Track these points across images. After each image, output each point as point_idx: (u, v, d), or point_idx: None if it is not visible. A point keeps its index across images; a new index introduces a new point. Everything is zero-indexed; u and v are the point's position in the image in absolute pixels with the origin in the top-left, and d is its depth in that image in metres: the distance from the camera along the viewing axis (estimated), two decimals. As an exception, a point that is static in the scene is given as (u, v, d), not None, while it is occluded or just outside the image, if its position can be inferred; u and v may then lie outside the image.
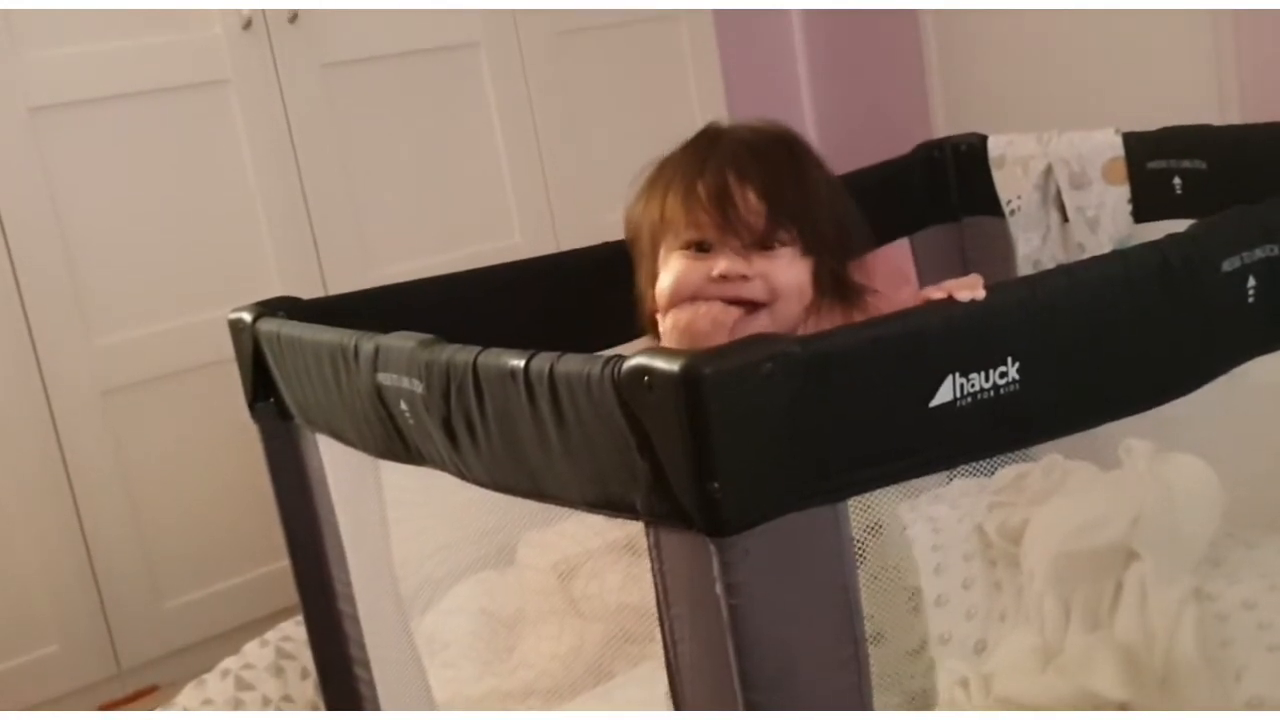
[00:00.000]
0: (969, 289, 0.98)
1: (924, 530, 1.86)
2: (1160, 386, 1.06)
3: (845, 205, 1.30)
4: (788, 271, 1.23)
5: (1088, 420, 1.03)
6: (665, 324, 1.25)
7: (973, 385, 0.92)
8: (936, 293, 1.00)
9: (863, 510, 0.94)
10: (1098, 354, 1.01)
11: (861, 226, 1.31)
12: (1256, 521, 1.70)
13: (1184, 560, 1.59)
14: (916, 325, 0.94)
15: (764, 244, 1.23)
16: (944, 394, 0.91)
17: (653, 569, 0.92)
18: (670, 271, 1.26)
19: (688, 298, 1.24)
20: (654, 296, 1.28)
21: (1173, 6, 2.73)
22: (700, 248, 1.24)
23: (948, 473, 1.00)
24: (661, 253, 1.28)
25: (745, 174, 1.25)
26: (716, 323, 1.22)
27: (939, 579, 1.76)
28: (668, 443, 0.85)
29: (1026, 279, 1.13)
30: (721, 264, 1.23)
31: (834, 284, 1.27)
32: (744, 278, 1.23)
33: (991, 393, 0.93)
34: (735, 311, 1.22)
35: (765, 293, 1.23)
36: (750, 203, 1.23)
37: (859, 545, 0.93)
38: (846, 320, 1.26)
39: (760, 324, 1.22)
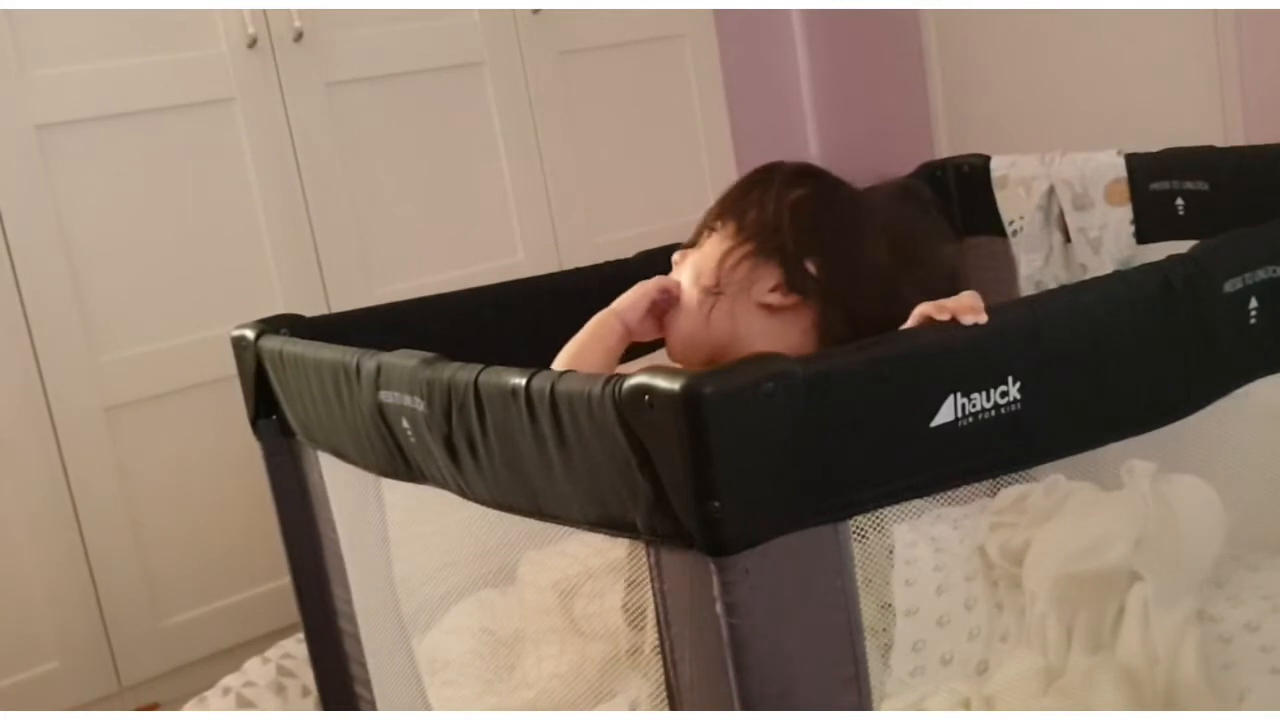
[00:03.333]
0: (970, 310, 0.98)
1: (926, 550, 1.85)
2: (1162, 408, 1.06)
3: (843, 237, 1.28)
4: (699, 261, 1.31)
5: (1089, 441, 1.03)
6: None
7: (974, 405, 0.92)
8: (939, 314, 1.00)
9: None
10: (1099, 375, 1.01)
11: (868, 266, 1.26)
12: (1259, 544, 1.69)
13: (1186, 582, 1.58)
14: (917, 346, 0.95)
15: (695, 241, 1.33)
16: (945, 414, 0.91)
17: (653, 588, 0.91)
18: None
19: None
20: None
21: (1176, 27, 2.73)
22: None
23: (950, 493, 1.00)
24: None
25: (728, 191, 1.34)
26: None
27: (941, 599, 1.75)
28: (668, 462, 0.85)
29: (1028, 299, 1.13)
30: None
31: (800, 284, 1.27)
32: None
33: (993, 412, 0.93)
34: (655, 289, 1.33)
35: (675, 282, 1.32)
36: (713, 210, 1.33)
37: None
38: None
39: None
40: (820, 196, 1.29)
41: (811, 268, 1.24)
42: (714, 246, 1.28)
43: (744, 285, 1.25)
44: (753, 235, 1.26)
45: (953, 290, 1.03)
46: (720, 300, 1.25)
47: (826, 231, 1.26)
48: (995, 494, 1.87)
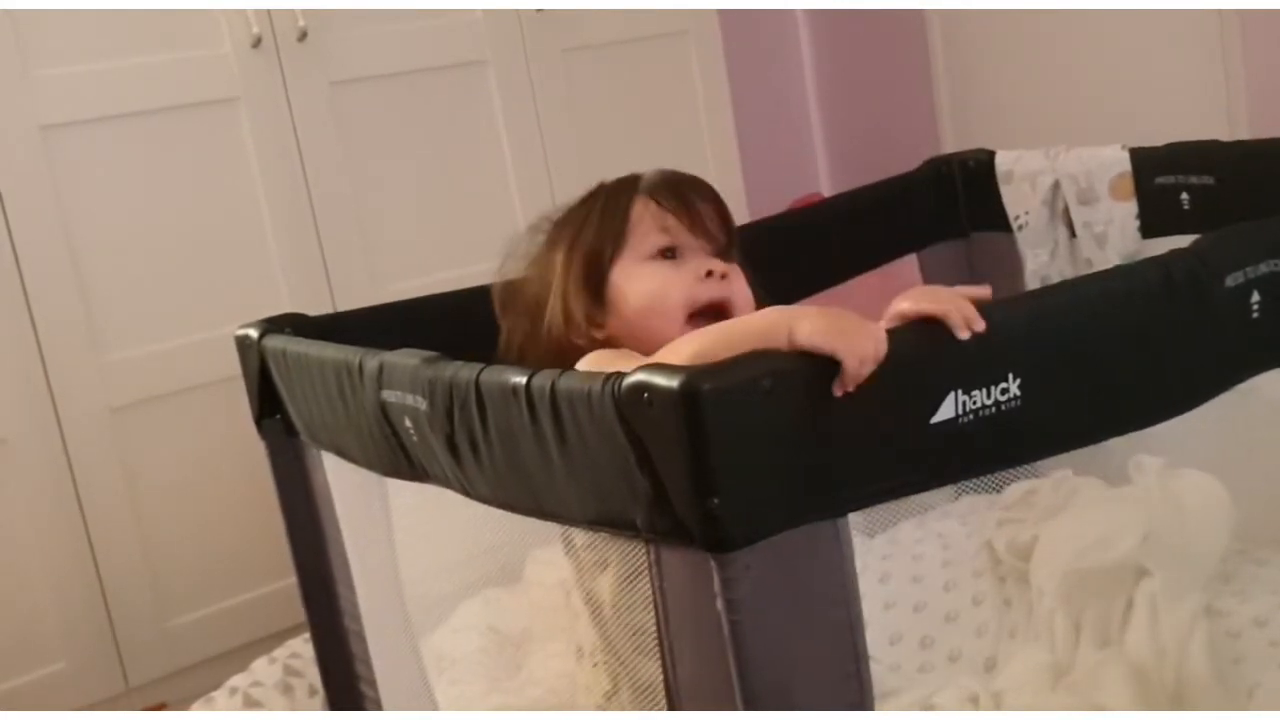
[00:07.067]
0: (964, 325, 0.95)
1: (933, 546, 1.85)
2: (1163, 403, 1.05)
3: None
4: (744, 282, 1.28)
5: (1091, 436, 1.03)
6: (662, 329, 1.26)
7: (975, 402, 0.92)
8: (935, 307, 0.98)
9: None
10: (1101, 369, 1.00)
11: None
12: (1266, 539, 1.69)
13: (1194, 577, 1.58)
14: (918, 343, 0.94)
15: (725, 255, 1.30)
16: (946, 411, 0.91)
17: (653, 586, 0.91)
18: (648, 279, 1.29)
19: (679, 305, 1.27)
20: (595, 314, 1.32)
21: (1180, 22, 2.73)
22: (666, 255, 1.29)
23: (955, 489, 1.00)
24: (618, 268, 1.33)
25: (698, 188, 1.30)
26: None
27: (949, 595, 1.75)
28: (667, 459, 0.85)
29: (1029, 294, 1.13)
30: (709, 262, 1.28)
31: None
32: (724, 276, 1.27)
33: (993, 409, 0.93)
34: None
35: (739, 296, 1.27)
36: (710, 213, 1.29)
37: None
38: None
39: None
40: None
41: None
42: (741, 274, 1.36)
43: None
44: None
45: None
46: None
47: None
48: (1002, 490, 1.87)
